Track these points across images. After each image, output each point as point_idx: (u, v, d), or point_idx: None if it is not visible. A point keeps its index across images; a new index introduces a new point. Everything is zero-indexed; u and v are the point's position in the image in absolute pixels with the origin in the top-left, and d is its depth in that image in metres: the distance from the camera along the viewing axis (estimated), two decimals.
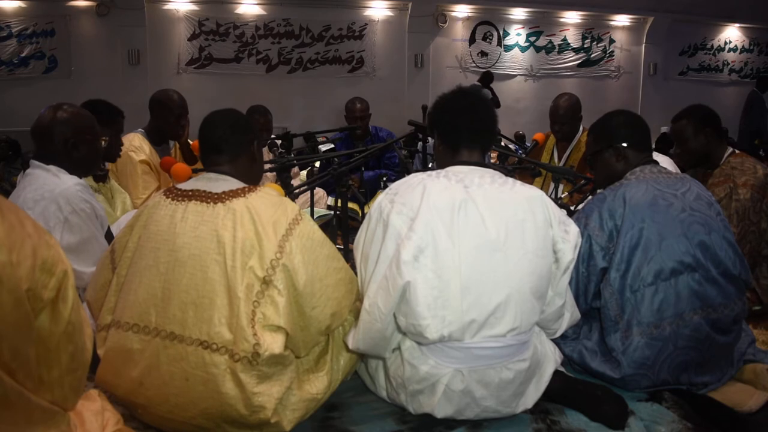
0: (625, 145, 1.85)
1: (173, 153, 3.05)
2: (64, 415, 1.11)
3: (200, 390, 1.37)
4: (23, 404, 0.99)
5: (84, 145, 1.89)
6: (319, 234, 1.51)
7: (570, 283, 1.65)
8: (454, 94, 1.70)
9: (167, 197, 1.51)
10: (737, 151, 2.48)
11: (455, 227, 1.47)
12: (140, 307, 1.43)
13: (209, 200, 1.47)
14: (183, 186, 1.55)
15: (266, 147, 3.40)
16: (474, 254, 1.46)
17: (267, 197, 1.49)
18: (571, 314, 1.67)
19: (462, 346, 1.48)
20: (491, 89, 7.38)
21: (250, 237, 1.41)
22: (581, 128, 3.27)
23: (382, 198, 1.58)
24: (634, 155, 1.85)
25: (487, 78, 7.48)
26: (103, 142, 2.01)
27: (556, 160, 3.34)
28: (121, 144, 2.52)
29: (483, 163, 1.65)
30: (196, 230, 1.43)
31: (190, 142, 3.07)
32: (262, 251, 1.40)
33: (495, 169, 1.64)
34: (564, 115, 3.20)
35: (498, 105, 7.38)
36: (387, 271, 1.47)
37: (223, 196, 1.48)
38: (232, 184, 1.52)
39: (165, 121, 2.86)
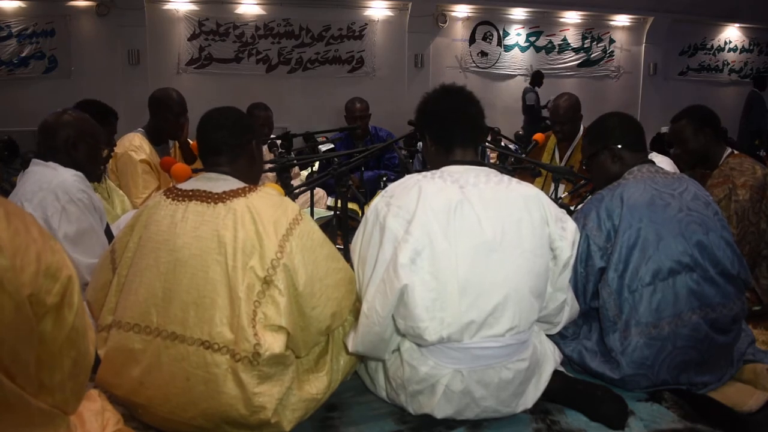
0: (620, 146, 1.86)
1: (173, 152, 3.04)
2: (64, 417, 1.11)
3: (201, 390, 1.37)
4: (23, 407, 0.99)
5: (84, 146, 1.93)
6: (319, 234, 1.51)
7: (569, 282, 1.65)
8: (440, 93, 1.69)
9: (167, 197, 1.51)
10: (736, 152, 2.48)
11: (451, 228, 1.46)
12: (141, 307, 1.43)
13: (210, 200, 1.47)
14: (183, 186, 1.55)
15: (266, 147, 3.40)
16: (471, 255, 1.46)
17: (267, 197, 1.49)
18: (571, 306, 1.67)
19: (461, 347, 1.48)
20: (536, 93, 7.37)
21: (250, 237, 1.41)
22: (582, 128, 3.27)
23: (378, 201, 1.58)
24: (630, 156, 1.86)
25: (537, 77, 7.44)
26: (104, 153, 2.04)
27: (557, 160, 3.34)
28: (114, 145, 2.53)
29: (477, 161, 1.65)
30: (197, 230, 1.44)
31: (190, 142, 3.07)
32: (262, 251, 1.40)
33: (490, 167, 1.64)
34: (564, 115, 3.21)
35: (543, 107, 7.37)
36: (384, 274, 1.46)
37: (223, 195, 1.48)
38: (233, 183, 1.52)
39: (164, 120, 2.86)
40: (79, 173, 1.87)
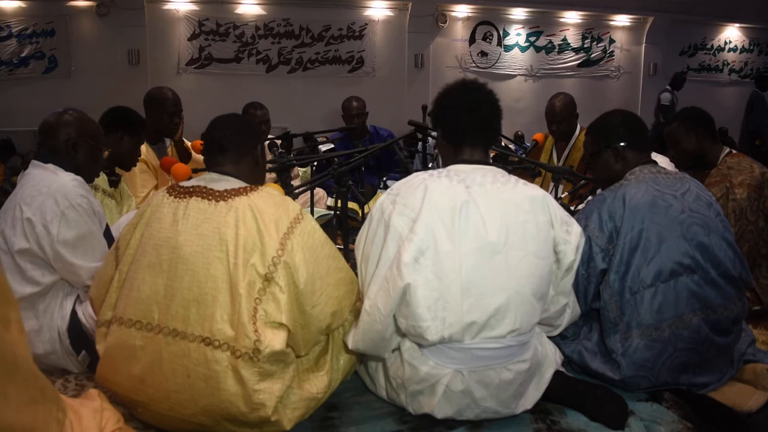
0: (623, 144, 1.84)
1: (169, 151, 3.07)
2: (60, 406, 1.10)
3: (201, 387, 1.38)
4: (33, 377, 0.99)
5: (84, 148, 1.91)
6: (320, 233, 1.52)
7: None
8: (459, 89, 1.66)
9: (169, 195, 1.53)
10: (734, 151, 2.48)
11: (456, 229, 1.46)
12: (143, 304, 1.44)
13: (211, 197, 1.49)
14: (184, 183, 1.57)
15: (266, 147, 3.40)
16: (474, 256, 1.46)
17: (269, 196, 1.50)
18: (572, 309, 1.67)
19: (462, 347, 1.47)
20: (673, 95, 7.30)
21: (252, 235, 1.42)
22: (579, 127, 3.28)
23: (383, 198, 1.58)
24: (633, 155, 1.84)
25: (679, 81, 7.36)
26: (105, 154, 2.03)
27: (555, 160, 3.35)
28: (139, 154, 2.56)
29: (485, 161, 1.65)
30: (199, 228, 1.44)
31: (185, 141, 3.10)
32: (263, 249, 1.41)
33: (497, 167, 1.63)
34: (560, 113, 3.21)
35: (670, 112, 7.27)
36: (387, 272, 1.46)
37: (225, 194, 1.49)
38: (234, 183, 1.54)
39: (159, 119, 2.91)
40: (79, 177, 1.85)
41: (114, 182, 2.44)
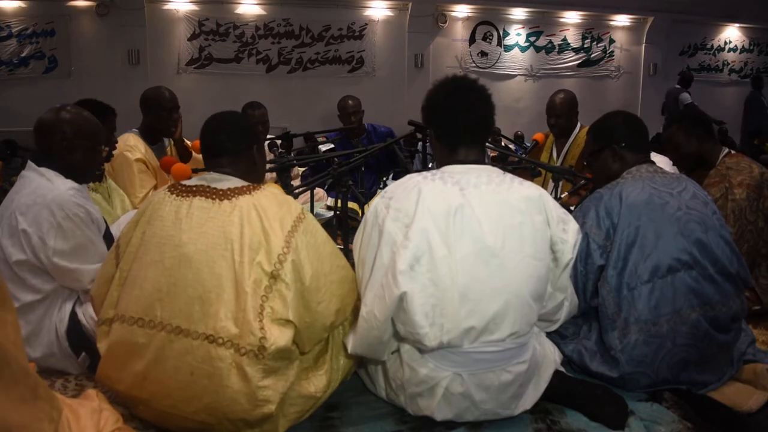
0: (622, 145, 1.87)
1: (169, 151, 3.05)
2: (55, 406, 1.11)
3: (205, 384, 1.38)
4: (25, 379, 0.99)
5: (80, 149, 1.86)
6: (322, 232, 1.53)
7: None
8: (451, 87, 1.63)
9: (172, 193, 1.53)
10: (733, 152, 2.49)
11: (451, 233, 1.45)
12: (146, 301, 1.44)
13: (214, 196, 1.49)
14: (187, 182, 1.57)
15: (266, 147, 3.40)
16: (471, 261, 1.44)
17: (272, 195, 1.52)
18: (570, 302, 1.67)
19: (461, 351, 1.47)
20: (689, 93, 7.25)
21: (257, 233, 1.43)
22: (578, 125, 3.28)
23: (377, 202, 1.57)
24: (631, 156, 1.87)
25: (688, 80, 7.30)
26: (103, 153, 1.99)
27: (554, 157, 3.35)
28: (115, 142, 2.53)
29: (481, 161, 1.63)
30: (203, 226, 1.45)
31: (186, 141, 3.09)
32: (269, 247, 1.42)
33: (493, 166, 1.62)
34: (559, 108, 3.22)
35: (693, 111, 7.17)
36: (383, 279, 1.45)
37: (228, 193, 1.50)
38: (236, 182, 1.55)
39: (157, 118, 2.87)
40: (76, 185, 1.82)
41: (97, 176, 2.41)
